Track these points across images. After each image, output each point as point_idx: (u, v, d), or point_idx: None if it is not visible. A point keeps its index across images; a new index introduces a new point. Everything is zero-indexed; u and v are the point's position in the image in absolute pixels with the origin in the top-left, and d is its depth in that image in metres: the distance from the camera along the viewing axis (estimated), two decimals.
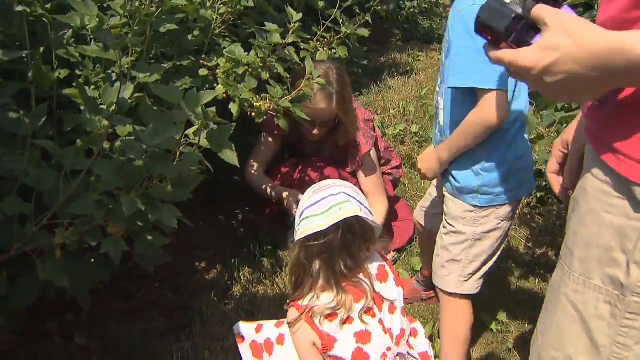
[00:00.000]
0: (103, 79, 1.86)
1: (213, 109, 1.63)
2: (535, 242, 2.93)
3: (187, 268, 2.59)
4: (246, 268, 2.60)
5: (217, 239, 2.82)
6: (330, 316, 1.55)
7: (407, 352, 1.65)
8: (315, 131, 2.42)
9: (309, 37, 2.37)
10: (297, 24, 2.06)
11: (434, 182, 2.18)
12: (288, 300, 1.69)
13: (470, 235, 1.84)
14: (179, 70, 2.02)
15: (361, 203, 1.61)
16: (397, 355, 1.60)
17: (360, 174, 2.59)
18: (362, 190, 2.57)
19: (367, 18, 2.53)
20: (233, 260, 2.60)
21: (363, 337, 1.56)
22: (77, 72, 1.86)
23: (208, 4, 2.12)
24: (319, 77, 2.06)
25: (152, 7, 1.86)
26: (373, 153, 2.59)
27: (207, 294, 2.41)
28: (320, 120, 2.39)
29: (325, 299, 1.57)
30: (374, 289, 1.60)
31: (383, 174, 2.75)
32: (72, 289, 1.62)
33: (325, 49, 2.48)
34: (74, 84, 1.73)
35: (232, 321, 2.26)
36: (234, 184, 2.98)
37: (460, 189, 1.81)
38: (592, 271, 0.96)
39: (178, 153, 1.57)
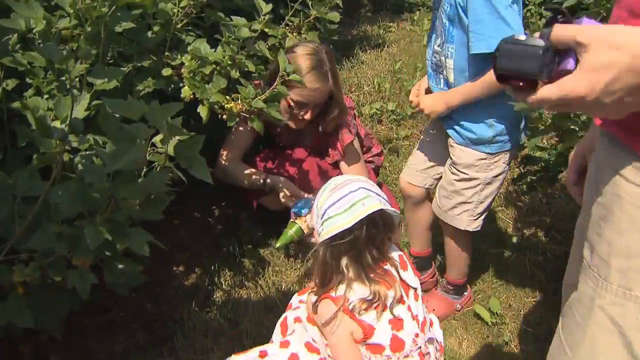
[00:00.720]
0: (57, 87, 1.71)
1: (179, 119, 1.50)
2: (524, 223, 2.85)
3: (165, 273, 2.47)
4: (227, 271, 2.48)
5: (193, 238, 2.70)
6: (367, 307, 1.55)
7: (434, 338, 1.68)
8: (307, 115, 2.30)
9: (279, 26, 2.22)
10: (267, 16, 1.90)
11: (422, 140, 2.29)
12: (315, 296, 1.61)
13: (483, 180, 2.03)
14: (139, 71, 1.87)
15: (379, 195, 1.59)
16: (426, 341, 1.62)
17: (344, 165, 2.47)
18: None
19: (338, 1, 2.38)
20: (213, 265, 2.47)
21: (397, 324, 1.57)
22: (28, 80, 1.71)
23: None
24: (308, 55, 2.06)
25: (105, 5, 1.71)
26: (356, 142, 2.47)
27: (187, 302, 2.29)
28: (314, 102, 2.28)
29: (360, 291, 1.55)
30: (400, 277, 1.61)
31: (365, 162, 2.63)
32: (39, 324, 1.49)
33: (294, 34, 2.33)
34: (24, 96, 1.58)
35: (216, 332, 2.16)
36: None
37: (476, 140, 1.97)
38: (634, 282, 0.92)
39: (144, 170, 1.44)
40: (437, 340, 1.71)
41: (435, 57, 1.99)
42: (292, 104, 2.24)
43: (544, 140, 2.23)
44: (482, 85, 1.85)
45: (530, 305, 2.36)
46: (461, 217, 2.10)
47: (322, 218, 1.56)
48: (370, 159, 2.73)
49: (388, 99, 4.08)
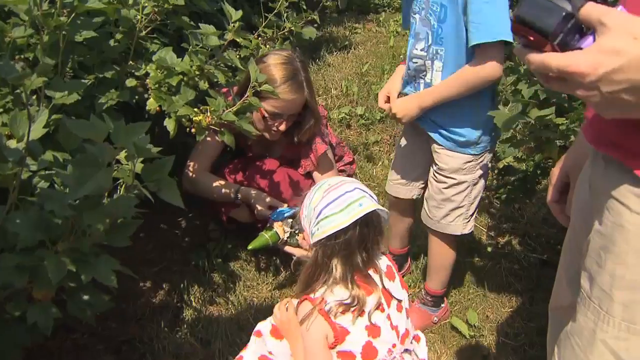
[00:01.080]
0: (12, 100, 1.59)
1: (147, 138, 1.40)
2: (498, 231, 2.82)
3: (132, 290, 2.36)
4: (196, 286, 2.38)
5: (161, 252, 2.59)
6: (344, 311, 1.53)
7: (413, 350, 1.66)
8: (282, 126, 2.22)
9: (250, 36, 2.13)
10: (237, 24, 1.81)
11: (399, 153, 2.27)
12: (295, 298, 1.62)
13: (470, 182, 2.04)
14: (102, 83, 1.76)
15: (372, 196, 1.59)
16: (403, 352, 1.60)
17: (318, 176, 2.41)
18: None
19: (315, 16, 2.30)
20: (182, 281, 2.37)
21: (373, 331, 1.54)
22: None
23: (130, 2, 1.84)
24: (281, 65, 2.03)
25: (64, 13, 1.60)
26: (329, 151, 2.40)
27: (156, 321, 2.19)
28: (289, 112, 2.20)
29: (340, 293, 1.53)
30: (383, 286, 1.59)
31: (337, 171, 2.57)
32: None
33: (267, 46, 2.24)
34: None
35: (187, 353, 2.07)
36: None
37: (464, 142, 1.96)
38: (638, 315, 0.90)
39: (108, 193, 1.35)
40: (416, 355, 1.68)
41: (415, 63, 1.95)
42: (266, 115, 2.16)
43: (520, 151, 2.19)
44: (453, 84, 1.86)
45: (508, 316, 2.33)
46: (455, 223, 2.10)
47: (317, 217, 1.54)
48: (342, 167, 2.67)
49: (356, 103, 4.03)
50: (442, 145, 2.00)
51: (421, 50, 1.91)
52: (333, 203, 1.53)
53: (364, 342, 1.53)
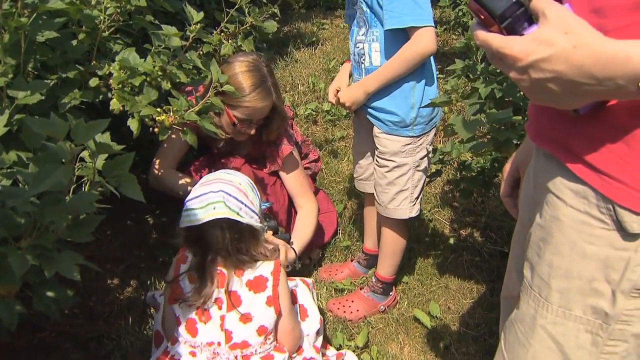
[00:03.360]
0: None
1: (107, 135, 1.43)
2: (460, 224, 2.90)
3: (99, 287, 2.38)
4: (162, 283, 2.41)
5: (127, 249, 2.61)
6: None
7: None
8: (252, 131, 2.25)
9: (210, 37, 2.16)
10: (198, 25, 1.84)
11: (354, 151, 2.40)
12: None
13: (412, 164, 2.11)
14: (65, 83, 1.77)
15: (242, 203, 1.66)
16: (227, 356, 1.68)
17: (284, 175, 2.44)
18: (288, 192, 2.45)
19: (275, 10, 2.34)
20: (149, 278, 2.40)
21: (200, 314, 1.69)
22: None
23: (93, 2, 1.86)
24: (249, 72, 2.06)
25: (25, 13, 1.61)
26: (295, 151, 2.44)
27: (124, 318, 2.22)
28: (258, 117, 2.23)
29: (187, 286, 1.70)
30: (227, 288, 1.68)
31: (303, 169, 2.60)
32: None
33: (230, 41, 2.27)
34: None
35: (153, 351, 2.09)
36: (141, 182, 2.72)
37: (398, 122, 2.04)
38: (573, 302, 0.94)
39: (73, 186, 1.37)
40: None
41: (358, 47, 2.06)
42: (236, 121, 2.18)
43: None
44: (393, 65, 1.95)
45: (469, 307, 2.40)
46: (402, 207, 2.17)
47: (184, 207, 1.67)
48: (307, 165, 2.70)
49: (323, 99, 4.07)
50: (380, 130, 2.09)
51: (362, 35, 2.03)
52: (196, 199, 1.64)
53: (189, 317, 1.70)
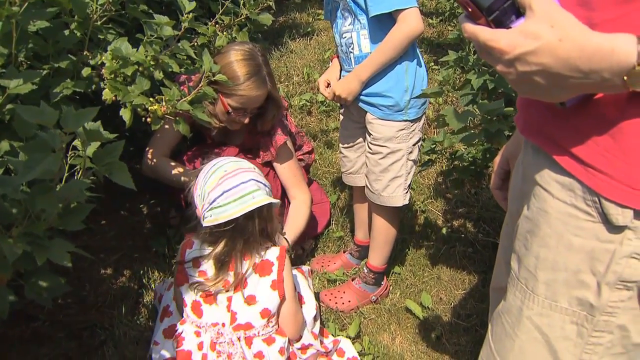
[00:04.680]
0: None
1: (98, 123, 1.43)
2: (453, 215, 2.91)
3: (92, 276, 2.39)
4: (156, 272, 2.42)
5: (121, 239, 2.62)
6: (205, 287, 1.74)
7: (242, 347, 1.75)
8: (246, 120, 2.25)
9: (203, 28, 2.15)
10: (190, 15, 1.84)
11: (342, 145, 2.38)
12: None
13: (406, 150, 2.11)
14: (58, 72, 1.77)
15: (265, 185, 1.71)
16: (231, 337, 1.72)
17: (277, 165, 2.44)
18: (281, 182, 2.45)
19: (271, 2, 2.34)
20: (142, 267, 2.41)
21: (205, 296, 1.73)
22: None
23: None
24: (244, 61, 2.07)
25: (17, 2, 1.61)
26: (289, 141, 2.44)
27: (117, 307, 2.23)
28: (253, 106, 2.23)
29: (192, 271, 1.76)
30: (239, 269, 1.72)
31: (297, 160, 2.61)
32: None
33: (225, 33, 2.27)
34: None
35: (148, 339, 2.10)
36: (135, 172, 2.73)
37: (392, 106, 2.04)
38: (559, 294, 0.96)
39: (65, 175, 1.38)
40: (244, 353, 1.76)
41: (345, 38, 2.07)
42: (230, 110, 2.19)
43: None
44: (384, 49, 1.96)
45: (460, 298, 2.41)
46: (396, 194, 2.18)
47: (210, 204, 1.66)
48: (301, 157, 2.70)
49: (318, 90, 4.03)
50: (374, 115, 2.09)
51: (349, 25, 2.04)
52: (227, 192, 1.64)
53: (194, 299, 1.75)
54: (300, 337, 1.89)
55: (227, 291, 1.73)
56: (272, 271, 1.74)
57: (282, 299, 1.77)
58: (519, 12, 0.81)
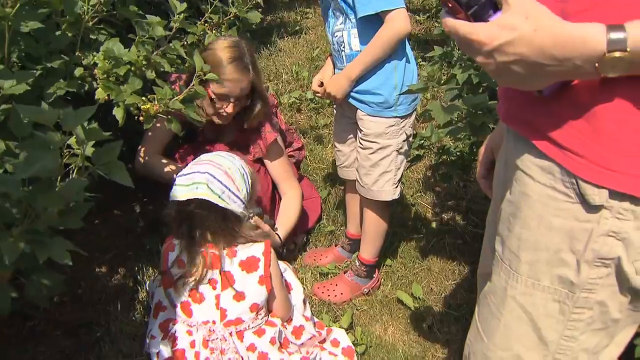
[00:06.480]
0: None
1: (95, 125, 1.46)
2: (442, 207, 2.95)
3: (87, 275, 2.41)
4: (151, 269, 2.45)
5: (115, 238, 2.64)
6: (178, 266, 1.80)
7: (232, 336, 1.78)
8: (229, 108, 2.26)
9: (194, 27, 2.18)
10: (182, 15, 1.87)
11: (335, 139, 2.45)
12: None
13: (395, 146, 2.16)
14: (50, 73, 1.79)
15: (227, 187, 1.73)
16: (223, 333, 1.75)
17: (268, 162, 2.48)
18: (272, 179, 2.48)
19: (259, 1, 2.37)
20: (136, 265, 2.43)
21: (194, 296, 1.76)
22: None
23: None
24: (228, 48, 2.13)
25: (9, 4, 1.63)
26: (279, 138, 2.47)
27: (112, 304, 2.25)
28: (236, 94, 2.24)
29: (177, 272, 1.79)
30: (222, 269, 1.75)
31: (288, 157, 2.64)
32: None
33: (214, 31, 2.29)
34: None
35: (144, 334, 2.13)
36: (128, 172, 2.74)
37: (382, 103, 2.09)
38: (541, 273, 1.00)
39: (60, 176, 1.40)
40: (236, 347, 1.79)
41: (336, 37, 2.12)
42: (213, 97, 2.21)
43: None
44: (373, 48, 2.01)
45: (451, 288, 2.46)
46: (385, 189, 2.22)
47: (173, 182, 1.76)
48: (292, 153, 2.74)
49: (307, 88, 4.09)
50: (364, 112, 2.14)
51: (340, 24, 2.09)
52: (185, 176, 1.73)
53: (183, 300, 1.78)
54: (291, 318, 1.95)
55: (214, 289, 1.77)
56: (258, 267, 1.78)
57: (270, 293, 1.82)
58: (496, 7, 0.86)
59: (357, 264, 2.42)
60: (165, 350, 1.83)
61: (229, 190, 1.74)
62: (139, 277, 2.40)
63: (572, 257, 0.95)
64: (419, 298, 2.38)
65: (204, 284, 1.77)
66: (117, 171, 1.36)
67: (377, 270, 2.47)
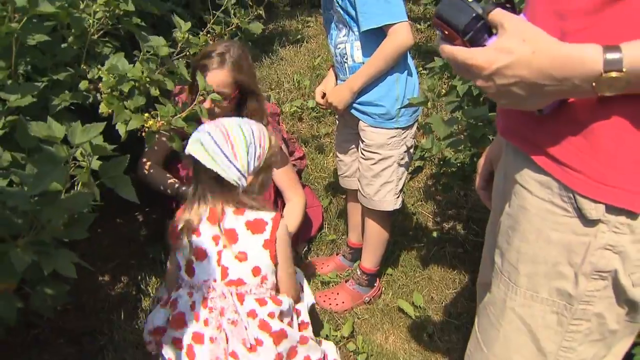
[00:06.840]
0: None
1: (100, 137, 1.48)
2: (443, 216, 2.97)
3: (90, 284, 2.43)
4: (153, 278, 2.46)
5: (118, 247, 2.66)
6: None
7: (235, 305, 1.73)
8: (206, 104, 2.12)
9: (196, 39, 2.21)
10: (186, 34, 1.90)
11: (336, 149, 2.47)
12: None
13: (397, 157, 2.18)
14: (56, 85, 1.82)
15: (222, 151, 1.64)
16: (222, 290, 1.70)
17: (273, 170, 2.49)
18: (277, 186, 2.50)
19: (261, 11, 2.40)
20: (139, 273, 2.45)
21: (197, 253, 1.72)
22: None
23: (82, 5, 1.91)
24: (216, 44, 2.13)
25: (16, 17, 1.66)
26: (284, 147, 2.49)
27: (116, 313, 2.27)
28: (218, 87, 2.14)
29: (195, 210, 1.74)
30: (220, 228, 1.71)
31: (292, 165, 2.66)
32: None
33: (216, 42, 2.32)
34: None
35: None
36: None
37: (384, 114, 2.11)
38: (539, 285, 1.01)
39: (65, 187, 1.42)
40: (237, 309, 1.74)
41: (339, 49, 2.14)
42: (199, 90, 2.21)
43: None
44: (375, 61, 2.03)
45: (452, 297, 2.47)
46: (387, 199, 2.24)
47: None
48: (293, 162, 2.75)
49: (308, 96, 4.12)
50: (366, 123, 2.16)
51: (343, 36, 2.11)
52: (195, 132, 1.67)
53: (189, 257, 1.73)
54: (299, 299, 1.89)
55: (216, 245, 1.71)
56: (265, 230, 1.72)
57: (274, 262, 1.75)
58: (491, 32, 0.88)
59: (359, 272, 2.44)
60: (160, 318, 1.79)
61: (224, 154, 1.65)
62: (141, 285, 2.41)
63: (570, 269, 0.96)
64: (420, 307, 2.40)
65: (206, 237, 1.72)
66: (123, 186, 1.39)
67: (378, 279, 2.49)
